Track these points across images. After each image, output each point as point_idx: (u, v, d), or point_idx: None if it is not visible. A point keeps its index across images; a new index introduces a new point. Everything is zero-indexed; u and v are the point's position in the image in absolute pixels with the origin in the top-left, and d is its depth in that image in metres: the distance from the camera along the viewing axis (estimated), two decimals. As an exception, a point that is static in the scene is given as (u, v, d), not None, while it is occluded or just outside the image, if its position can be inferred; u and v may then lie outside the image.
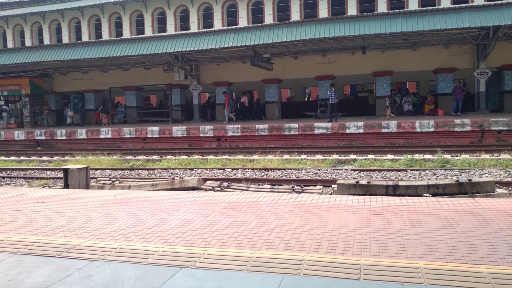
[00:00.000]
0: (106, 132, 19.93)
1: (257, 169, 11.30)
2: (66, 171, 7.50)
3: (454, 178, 8.42)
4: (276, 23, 18.24)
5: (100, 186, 9.30)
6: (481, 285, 2.51)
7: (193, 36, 18.84)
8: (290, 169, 11.06)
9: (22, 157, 16.52)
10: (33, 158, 16.13)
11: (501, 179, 8.75)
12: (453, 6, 16.70)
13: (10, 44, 27.82)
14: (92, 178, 10.12)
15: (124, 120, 25.62)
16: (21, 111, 26.09)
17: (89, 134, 20.21)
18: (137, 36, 23.25)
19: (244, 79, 23.11)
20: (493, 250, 3.08)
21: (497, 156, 11.67)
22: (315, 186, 8.89)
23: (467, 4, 16.75)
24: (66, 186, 7.43)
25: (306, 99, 30.28)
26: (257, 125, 17.75)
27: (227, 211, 4.50)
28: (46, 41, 27.02)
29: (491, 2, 16.00)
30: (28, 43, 27.24)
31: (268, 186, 8.95)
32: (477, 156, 11.94)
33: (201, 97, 23.56)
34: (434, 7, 16.88)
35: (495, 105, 20.43)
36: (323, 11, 22.30)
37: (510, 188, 8.06)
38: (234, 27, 19.66)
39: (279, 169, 11.06)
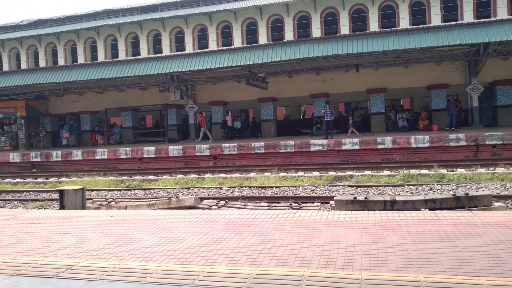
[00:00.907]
0: (102, 153, 19.87)
1: (254, 187, 11.26)
2: (62, 192, 7.46)
3: (451, 192, 8.44)
4: (271, 43, 18.51)
5: (96, 206, 9.22)
6: (483, 297, 2.49)
7: (188, 56, 19.04)
8: (287, 186, 11.04)
9: (17, 179, 16.39)
10: (28, 180, 16.01)
11: (498, 193, 8.77)
12: (444, 24, 17.08)
13: (6, 67, 27.95)
14: (88, 199, 10.04)
15: (120, 140, 25.59)
16: (16, 133, 26.02)
17: (84, 155, 20.14)
18: (133, 57, 23.46)
19: (239, 98, 23.28)
20: (493, 262, 3.07)
21: (492, 170, 11.73)
22: (313, 203, 8.86)
23: (457, 22, 17.13)
24: (62, 207, 7.37)
25: (301, 117, 30.46)
26: (253, 143, 17.79)
27: (225, 229, 4.48)
28: (42, 63, 27.19)
29: (481, 20, 16.36)
30: (24, 65, 27.39)
31: (266, 204, 8.91)
32: (473, 170, 11.99)
33: (197, 116, 23.64)
34: (425, 25, 17.22)
35: (489, 119, 20.64)
36: (316, 31, 22.68)
37: (507, 202, 8.09)
38: (229, 47, 19.93)
39: (276, 187, 11.03)
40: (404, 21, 21.46)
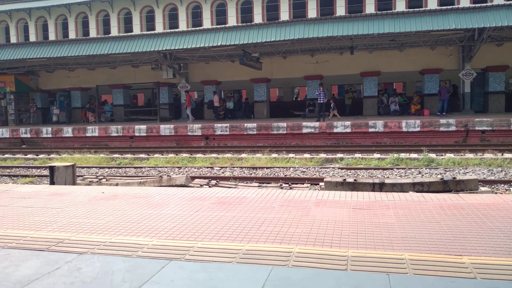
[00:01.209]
0: (92, 130, 19.74)
1: (245, 167, 11.32)
2: (52, 168, 7.43)
3: (439, 176, 8.57)
4: (265, 23, 18.29)
5: (86, 183, 9.22)
6: (464, 275, 2.58)
7: (182, 34, 18.78)
8: (278, 167, 11.11)
9: (6, 155, 16.27)
10: (18, 156, 15.91)
11: (484, 178, 8.94)
12: (440, 8, 16.97)
13: (-6, 41, 27.36)
14: (78, 176, 10.03)
15: (111, 118, 25.40)
16: (5, 108, 25.65)
17: (75, 132, 19.99)
18: (125, 34, 23.07)
19: (233, 78, 23.13)
20: (475, 242, 3.16)
21: (481, 156, 11.91)
22: (303, 184, 8.96)
23: (453, 6, 17.05)
24: (52, 183, 7.35)
25: (294, 99, 30.42)
26: (245, 124, 17.78)
27: (216, 206, 4.53)
28: (32, 38, 26.65)
29: (477, 5, 16.30)
30: (13, 40, 26.81)
31: (257, 184, 8.98)
32: (462, 155, 12.16)
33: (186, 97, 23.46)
34: (421, 9, 17.13)
35: (480, 105, 20.81)
36: (312, 11, 22.44)
37: (493, 186, 8.25)
38: (223, 26, 19.66)
39: (267, 168, 11.10)
40: (400, 4, 21.31)
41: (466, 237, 3.28)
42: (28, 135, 20.81)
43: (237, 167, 11.35)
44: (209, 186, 8.70)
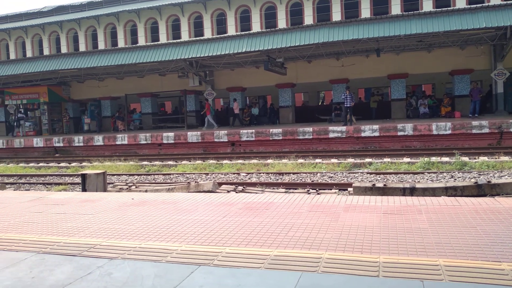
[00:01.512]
0: (122, 139, 20.20)
1: (271, 173, 11.29)
2: (84, 176, 7.62)
3: (473, 180, 8.27)
4: (289, 28, 18.29)
5: (117, 190, 9.42)
6: (504, 282, 2.46)
7: (207, 42, 19.01)
8: (305, 173, 11.03)
9: (40, 164, 16.85)
10: (51, 164, 16.44)
11: (521, 181, 8.55)
12: (469, 6, 16.51)
13: (29, 54, 28.50)
14: (109, 183, 10.26)
15: (139, 126, 25.93)
16: (39, 118, 26.63)
17: (105, 141, 20.51)
18: (152, 43, 23.58)
19: (258, 84, 23.20)
20: (515, 248, 3.02)
21: (517, 158, 11.44)
22: (331, 189, 8.84)
23: (483, 4, 16.53)
24: (84, 190, 7.55)
25: (320, 103, 30.19)
26: (271, 130, 17.76)
27: (244, 212, 4.52)
28: (64, 49, 27.62)
29: (508, 2, 15.76)
30: (46, 52, 27.87)
31: (283, 190, 8.94)
32: (496, 158, 11.72)
33: (215, 102, 23.72)
34: (449, 8, 16.70)
35: (514, 106, 20.05)
36: (336, 14, 22.29)
37: (531, 190, 7.89)
38: (247, 32, 19.78)
39: (293, 173, 11.03)
40: (427, 4, 20.86)
41: (504, 242, 3.14)
42: (61, 144, 21.50)
43: (263, 173, 11.34)
44: (236, 192, 8.71)
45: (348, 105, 17.53)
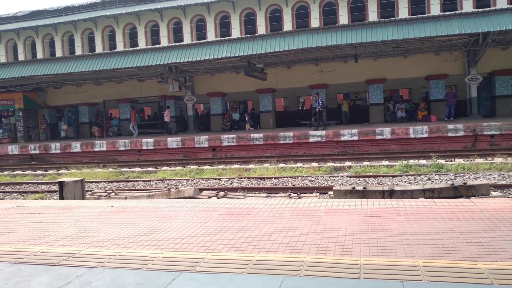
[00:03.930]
0: (100, 145, 19.87)
1: (253, 178, 11.31)
2: (61, 184, 7.47)
3: (449, 182, 8.49)
4: (269, 34, 18.40)
5: (95, 198, 9.26)
6: (480, 281, 2.53)
7: (186, 47, 18.94)
8: (286, 177, 11.08)
9: (16, 172, 16.40)
10: (27, 172, 16.02)
11: (495, 182, 8.83)
12: (443, 13, 16.97)
13: (3, 59, 27.80)
14: (87, 190, 10.08)
15: (118, 132, 25.55)
16: (14, 125, 25.93)
17: (83, 147, 20.14)
18: (131, 48, 23.34)
19: (238, 89, 23.22)
20: (490, 247, 3.11)
21: (490, 160, 11.78)
22: (312, 193, 8.91)
23: (457, 12, 17.05)
24: (62, 198, 7.39)
25: (300, 108, 30.43)
26: (252, 135, 17.79)
27: (225, 217, 4.51)
28: (39, 55, 27.05)
29: (480, 9, 16.29)
30: (21, 57, 27.24)
31: (265, 195, 8.96)
32: (471, 160, 12.04)
33: (195, 107, 23.62)
34: (424, 15, 17.14)
35: (487, 110, 20.64)
36: (315, 21, 22.57)
37: (504, 191, 8.14)
38: (227, 38, 19.82)
39: (275, 178, 11.07)
40: (403, 11, 21.37)
41: (480, 242, 3.23)
42: (37, 151, 20.99)
43: (245, 178, 11.34)
44: (218, 198, 8.68)
45: (319, 110, 17.88)
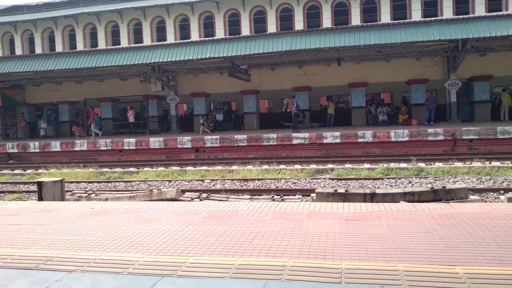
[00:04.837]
0: (81, 145, 19.53)
1: (236, 179, 11.28)
2: (40, 184, 7.30)
3: (429, 185, 8.63)
4: (253, 35, 18.45)
5: (76, 198, 9.10)
6: (458, 285, 2.58)
7: (170, 47, 18.81)
8: (270, 179, 11.10)
9: (-8, 171, 15.97)
10: (4, 171, 15.62)
11: (473, 186, 9.03)
12: (424, 19, 17.32)
13: (-20, 55, 27.07)
14: (67, 191, 9.89)
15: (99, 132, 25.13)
16: (-9, 123, 25.26)
17: (63, 147, 19.76)
18: (113, 47, 23.01)
19: (222, 90, 23.17)
20: (468, 251, 3.18)
21: (469, 164, 12.04)
22: (295, 195, 8.95)
23: (437, 18, 17.41)
24: (41, 199, 7.23)
25: (283, 110, 30.54)
26: (235, 136, 17.77)
27: (208, 220, 4.49)
28: (18, 51, 26.44)
29: (460, 16, 16.67)
30: (-1, 53, 26.59)
31: (248, 197, 8.95)
32: (450, 164, 12.29)
33: (178, 108, 23.46)
34: (405, 20, 17.45)
35: (466, 115, 21.11)
36: (299, 24, 22.70)
37: (482, 195, 8.34)
38: (211, 38, 19.76)
39: (258, 179, 11.08)
40: (385, 16, 21.69)
41: (458, 247, 3.29)
42: (15, 150, 20.50)
43: (228, 180, 11.31)
44: (200, 200, 8.64)
45: (294, 113, 18.27)
